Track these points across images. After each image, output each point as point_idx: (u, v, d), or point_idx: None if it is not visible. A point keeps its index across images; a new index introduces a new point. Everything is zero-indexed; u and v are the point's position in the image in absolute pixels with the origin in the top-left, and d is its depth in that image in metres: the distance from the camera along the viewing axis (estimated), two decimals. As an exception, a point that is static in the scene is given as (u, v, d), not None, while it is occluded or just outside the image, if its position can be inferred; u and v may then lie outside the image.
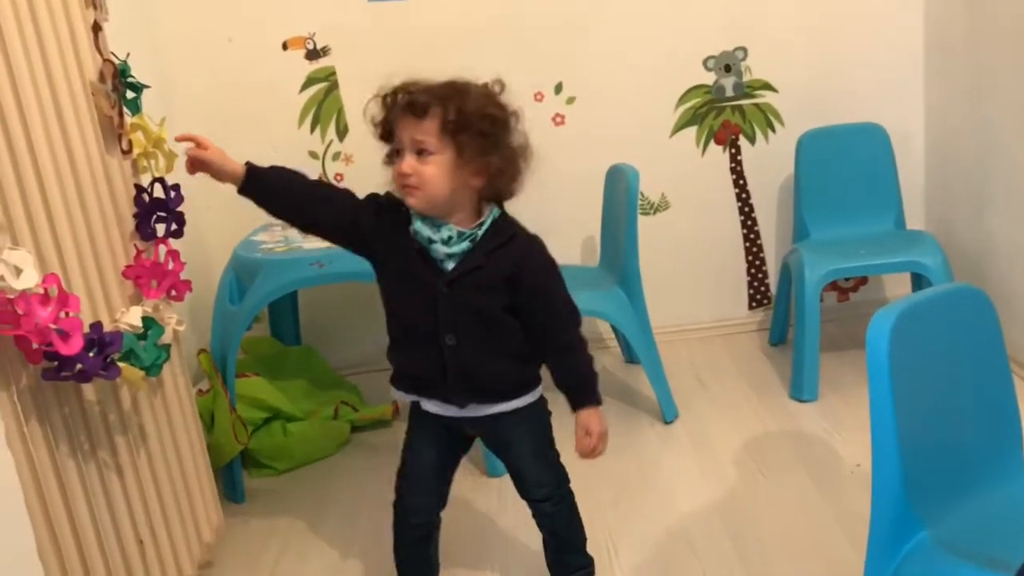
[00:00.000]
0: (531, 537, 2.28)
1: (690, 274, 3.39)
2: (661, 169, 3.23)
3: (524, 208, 3.21)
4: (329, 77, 3.13)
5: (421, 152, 1.60)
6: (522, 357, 1.77)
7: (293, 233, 2.73)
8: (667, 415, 2.80)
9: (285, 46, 3.12)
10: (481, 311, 1.69)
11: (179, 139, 1.73)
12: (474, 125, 1.59)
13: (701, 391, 2.99)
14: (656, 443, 2.69)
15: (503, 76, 3.08)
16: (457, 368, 1.72)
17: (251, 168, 1.70)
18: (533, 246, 1.73)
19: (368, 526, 2.30)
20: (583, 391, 1.75)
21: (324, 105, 3.14)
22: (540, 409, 1.85)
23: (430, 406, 1.81)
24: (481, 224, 1.67)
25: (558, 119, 3.23)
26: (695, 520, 2.27)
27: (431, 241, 1.65)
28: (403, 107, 1.61)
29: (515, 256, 1.68)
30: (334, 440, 2.77)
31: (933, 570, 1.31)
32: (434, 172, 1.60)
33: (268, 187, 1.71)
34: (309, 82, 3.13)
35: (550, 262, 1.75)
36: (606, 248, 3.11)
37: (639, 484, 2.47)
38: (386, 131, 1.65)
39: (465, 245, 1.65)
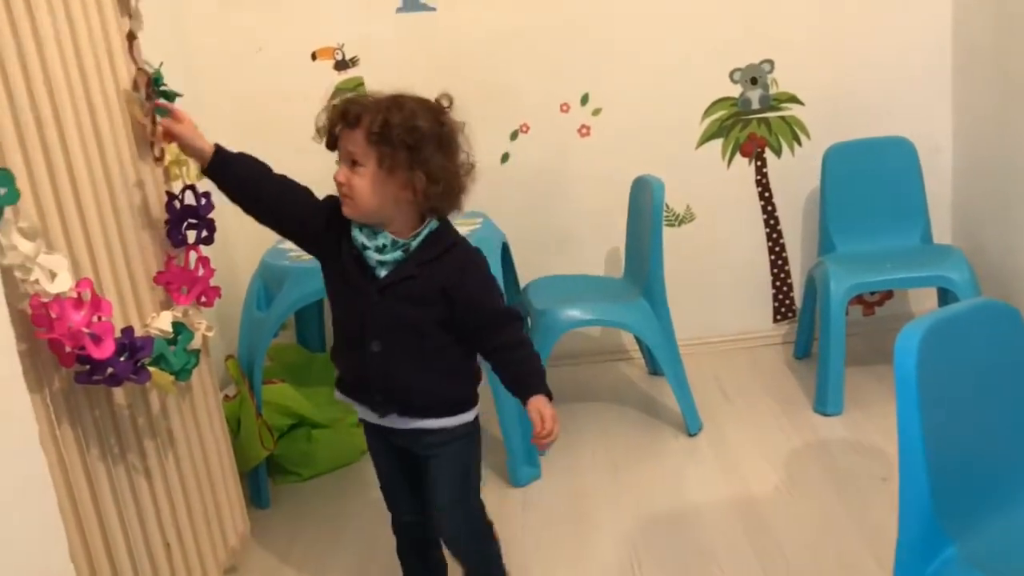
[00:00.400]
0: (555, 547, 2.29)
1: (714, 286, 3.39)
2: (686, 181, 3.23)
3: (549, 218, 3.25)
4: (357, 87, 3.15)
5: (354, 163, 1.60)
6: (450, 375, 1.73)
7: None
8: (691, 427, 2.79)
9: (314, 56, 3.15)
10: (409, 322, 1.66)
11: (157, 105, 1.78)
12: (396, 138, 1.55)
13: (725, 404, 2.98)
14: (680, 455, 2.68)
15: (529, 87, 3.14)
16: (379, 376, 1.72)
17: (219, 150, 1.73)
18: (468, 261, 1.69)
19: (391, 533, 2.31)
20: (528, 382, 1.69)
21: (351, 115, 3.16)
22: (467, 436, 1.78)
23: (360, 411, 1.81)
24: (416, 235, 1.65)
25: (584, 130, 3.24)
26: (718, 533, 2.26)
27: (364, 247, 1.65)
28: (338, 116, 1.61)
29: (449, 270, 1.65)
30: (358, 447, 2.77)
31: (961, 586, 1.30)
32: (361, 183, 1.59)
33: (232, 172, 1.73)
34: (337, 92, 3.15)
35: (485, 277, 1.71)
36: (631, 259, 3.11)
37: (662, 496, 2.47)
38: (331, 140, 1.65)
39: (398, 255, 1.64)
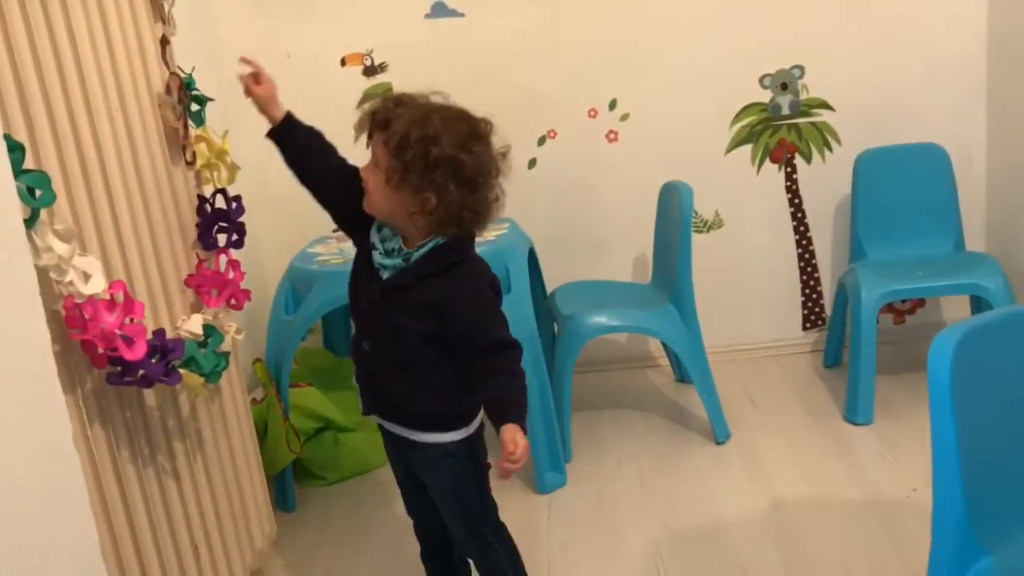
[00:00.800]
0: (581, 554, 2.28)
1: (743, 293, 3.36)
2: (715, 187, 3.22)
3: (576, 224, 3.24)
4: (386, 93, 3.16)
5: (376, 163, 1.59)
6: (433, 392, 1.69)
7: (348, 246, 2.76)
8: (719, 435, 2.77)
9: (343, 62, 3.17)
10: (399, 330, 1.64)
11: (242, 60, 1.78)
12: (409, 156, 1.52)
13: (753, 412, 2.96)
14: (707, 463, 2.66)
15: (557, 92, 3.14)
16: (367, 373, 1.74)
17: (290, 118, 1.75)
18: (467, 281, 1.63)
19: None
20: (505, 413, 1.59)
21: (380, 120, 3.18)
22: (455, 455, 1.73)
23: (362, 405, 1.81)
24: (420, 247, 1.62)
25: (612, 136, 3.23)
26: (746, 542, 2.24)
27: (375, 247, 1.66)
28: (370, 113, 1.61)
29: (447, 289, 1.61)
30: (384, 452, 2.78)
31: (995, 598, 1.28)
32: (374, 185, 1.59)
33: (296, 141, 1.74)
34: (366, 98, 3.17)
35: (482, 299, 1.64)
36: (659, 265, 3.10)
37: (689, 504, 2.45)
38: (369, 132, 1.63)
39: (398, 262, 1.63)
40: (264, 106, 1.76)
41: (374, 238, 1.67)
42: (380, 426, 1.82)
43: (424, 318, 1.62)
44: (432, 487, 1.81)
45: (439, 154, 1.52)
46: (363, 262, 1.70)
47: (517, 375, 1.64)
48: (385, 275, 1.65)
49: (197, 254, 1.95)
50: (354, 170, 1.73)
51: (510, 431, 1.56)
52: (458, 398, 1.72)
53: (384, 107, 1.59)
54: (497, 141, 1.61)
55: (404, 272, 1.63)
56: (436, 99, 1.61)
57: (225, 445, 2.04)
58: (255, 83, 1.75)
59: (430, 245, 1.62)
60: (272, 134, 1.76)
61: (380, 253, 1.65)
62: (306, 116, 1.79)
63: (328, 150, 1.76)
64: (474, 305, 1.63)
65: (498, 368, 1.63)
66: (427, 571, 1.99)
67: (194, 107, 1.96)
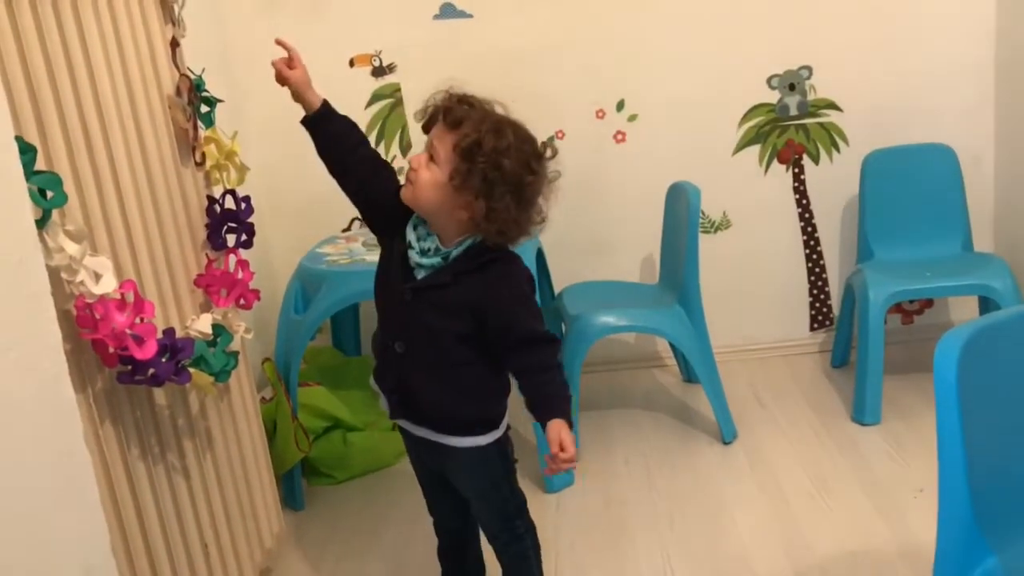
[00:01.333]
0: (589, 553, 2.28)
1: (751, 294, 3.37)
2: (723, 187, 3.22)
3: (584, 225, 3.24)
4: (394, 94, 3.18)
5: (432, 157, 1.59)
6: (468, 394, 1.70)
7: (357, 246, 2.78)
8: (726, 435, 2.77)
9: (352, 63, 3.18)
10: (434, 330, 1.64)
11: (277, 43, 1.76)
12: (478, 162, 1.53)
13: (761, 412, 2.96)
14: (714, 463, 2.67)
15: (565, 93, 3.15)
16: (398, 377, 1.72)
17: (326, 106, 1.72)
18: (506, 277, 1.64)
19: (426, 535, 2.31)
20: (549, 405, 1.62)
21: (388, 121, 3.19)
22: (483, 460, 1.75)
23: (382, 404, 1.80)
24: (459, 244, 1.62)
25: (619, 136, 3.24)
26: (753, 542, 2.25)
27: (411, 246, 1.65)
28: (441, 108, 1.60)
29: (484, 284, 1.61)
30: (393, 450, 2.79)
31: (1001, 598, 1.29)
32: (428, 179, 1.58)
33: (331, 130, 1.72)
34: (375, 98, 3.19)
35: (520, 295, 1.66)
36: (666, 266, 3.10)
37: (697, 504, 2.45)
38: (428, 124, 1.64)
39: (437, 260, 1.63)
40: (298, 92, 1.72)
41: (410, 236, 1.65)
42: (403, 429, 1.80)
43: (462, 317, 1.62)
44: (465, 488, 1.81)
45: (508, 167, 1.54)
46: (395, 260, 1.68)
47: (559, 369, 1.66)
48: (421, 274, 1.64)
49: (207, 254, 1.96)
50: (386, 164, 1.75)
51: (556, 427, 1.58)
52: (492, 400, 1.73)
53: (455, 106, 1.58)
54: (551, 165, 1.63)
55: (442, 271, 1.62)
56: (498, 109, 1.62)
57: (234, 443, 2.05)
58: (289, 67, 1.72)
59: (469, 242, 1.62)
60: (306, 121, 1.73)
61: (418, 252, 1.64)
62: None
63: (361, 141, 1.74)
64: (515, 300, 1.64)
65: (541, 363, 1.64)
66: (443, 568, 2.00)
67: (204, 108, 1.97)
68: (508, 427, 1.78)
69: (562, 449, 1.57)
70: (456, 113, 1.57)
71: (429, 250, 1.64)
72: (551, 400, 1.63)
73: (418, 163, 1.60)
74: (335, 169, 1.73)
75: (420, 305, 1.64)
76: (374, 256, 2.59)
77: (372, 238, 2.82)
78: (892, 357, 2.93)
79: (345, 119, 1.74)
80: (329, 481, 2.74)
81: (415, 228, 1.66)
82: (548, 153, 1.63)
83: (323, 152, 1.73)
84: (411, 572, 2.26)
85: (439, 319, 1.63)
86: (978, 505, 1.29)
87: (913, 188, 3.07)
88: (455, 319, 1.63)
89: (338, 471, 2.74)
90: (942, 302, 3.37)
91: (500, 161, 1.53)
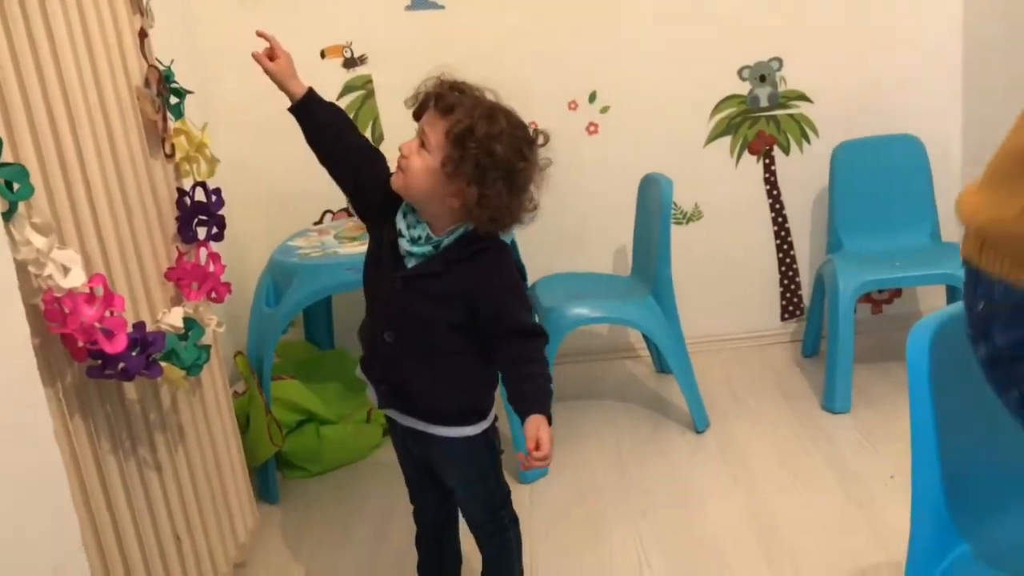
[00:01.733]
0: (563, 543, 2.29)
1: (723, 284, 3.39)
2: (694, 179, 3.23)
3: (557, 216, 3.24)
4: (365, 85, 3.16)
5: (424, 143, 1.58)
6: (458, 384, 1.69)
7: (329, 239, 2.77)
8: (698, 424, 2.79)
9: (323, 54, 3.16)
10: (425, 319, 1.63)
11: (258, 34, 1.74)
12: (470, 149, 1.52)
13: (733, 401, 2.98)
14: (687, 453, 2.69)
15: (537, 85, 3.14)
16: (387, 366, 1.71)
17: (311, 94, 1.72)
18: (497, 266, 1.64)
19: (400, 527, 2.31)
20: (532, 399, 1.61)
21: (360, 113, 3.17)
22: (471, 450, 1.74)
23: (370, 394, 1.79)
24: (450, 233, 1.61)
25: (592, 128, 3.24)
26: (726, 531, 2.27)
27: (400, 234, 1.63)
28: (433, 95, 1.59)
29: (475, 273, 1.61)
30: (367, 443, 2.79)
31: (972, 583, 1.30)
32: (419, 166, 1.57)
33: (317, 119, 1.71)
34: (346, 90, 3.17)
35: (512, 284, 1.66)
36: (638, 257, 3.11)
37: (670, 494, 2.47)
38: (418, 111, 1.63)
39: (428, 249, 1.62)
40: (281, 82, 1.71)
41: (400, 224, 1.64)
42: (390, 419, 1.80)
43: (453, 306, 1.61)
44: (452, 478, 1.81)
45: (500, 153, 1.53)
46: (384, 249, 1.67)
47: (544, 363, 1.65)
48: (411, 263, 1.63)
49: (177, 247, 1.94)
50: (376, 150, 1.73)
51: (534, 423, 1.57)
52: (482, 390, 1.73)
53: (446, 92, 1.57)
54: (543, 151, 1.63)
55: (433, 259, 1.62)
56: (489, 95, 1.61)
57: (207, 438, 2.03)
58: (269, 59, 1.71)
59: (460, 231, 1.61)
60: (292, 109, 1.72)
61: (408, 240, 1.63)
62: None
63: (348, 128, 1.73)
64: (505, 290, 1.64)
65: (527, 355, 1.64)
66: (420, 556, 1.99)
67: (173, 100, 1.95)
68: (496, 418, 1.78)
69: (538, 447, 1.55)
70: (448, 99, 1.56)
71: (420, 238, 1.62)
72: (533, 394, 1.62)
73: (409, 150, 1.59)
74: (324, 157, 1.72)
75: (410, 294, 1.63)
76: (346, 249, 2.61)
77: (344, 231, 2.81)
78: (861, 346, 2.97)
79: (332, 106, 1.74)
80: (303, 474, 2.73)
81: (405, 216, 1.65)
82: (540, 140, 1.62)
83: (311, 140, 1.72)
84: (386, 563, 2.26)
85: (430, 308, 1.63)
86: (950, 492, 1.30)
87: (882, 179, 3.11)
88: (446, 308, 1.62)
89: (312, 464, 2.73)
90: (910, 292, 3.41)
91: (492, 147, 1.53)
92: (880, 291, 3.39)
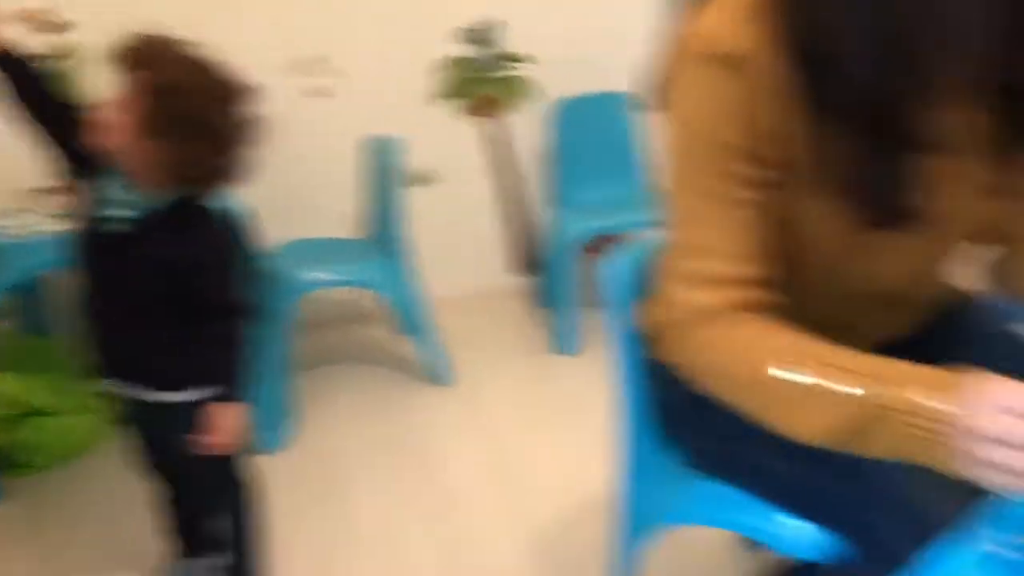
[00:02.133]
0: (305, 508, 2.28)
1: (456, 243, 3.47)
2: (422, 140, 3.25)
3: (288, 182, 3.18)
4: (71, 51, 2.94)
5: (123, 100, 1.50)
6: (172, 350, 1.65)
7: (33, 216, 2.58)
8: (442, 381, 2.86)
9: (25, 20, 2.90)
10: (130, 285, 1.60)
11: None
12: (169, 105, 1.47)
13: (473, 355, 3.07)
14: (431, 409, 2.76)
15: (259, 46, 3.04)
16: (100, 334, 1.67)
17: (11, 44, 1.62)
18: (202, 235, 1.61)
19: (135, 520, 2.22)
20: (213, 378, 1.64)
21: (63, 74, 2.94)
22: (174, 419, 1.69)
23: (99, 369, 1.73)
24: (158, 199, 1.56)
25: (316, 91, 3.19)
26: (472, 480, 2.38)
27: (106, 199, 1.57)
28: (133, 49, 1.51)
29: (183, 244, 1.57)
30: (91, 432, 2.64)
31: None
32: (119, 124, 1.50)
33: (28, 70, 1.63)
34: (49, 58, 2.93)
35: (218, 256, 1.64)
36: (373, 219, 3.12)
37: (414, 449, 2.54)
38: (120, 65, 1.53)
39: (133, 213, 1.56)
40: None
41: (106, 188, 1.56)
42: (117, 397, 1.73)
43: (157, 273, 1.56)
44: (172, 451, 1.73)
45: (201, 108, 1.48)
46: (90, 214, 1.59)
47: (238, 343, 1.64)
48: (115, 227, 1.56)
49: None
50: (79, 108, 1.62)
51: (212, 408, 1.61)
52: (196, 357, 1.67)
53: (139, 46, 1.50)
54: (253, 108, 1.57)
55: (137, 224, 1.55)
56: (193, 52, 1.54)
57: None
58: None
59: (167, 199, 1.56)
60: None
61: (113, 204, 1.55)
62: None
63: (47, 84, 1.64)
64: (209, 263, 1.60)
65: (221, 333, 1.63)
66: (171, 547, 1.92)
67: None
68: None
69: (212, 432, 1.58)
70: (148, 54, 1.50)
71: (125, 202, 1.56)
72: (217, 373, 1.63)
73: (108, 108, 1.51)
74: (35, 112, 1.63)
75: (117, 259, 1.57)
76: (53, 226, 2.43)
77: (49, 208, 2.62)
78: (590, 292, 3.15)
79: (31, 59, 1.64)
80: (28, 471, 2.55)
81: (110, 179, 1.57)
82: (245, 92, 1.57)
83: (20, 93, 1.62)
84: (120, 556, 2.16)
85: (135, 273, 1.57)
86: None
87: (596, 135, 3.30)
88: (151, 274, 1.57)
89: (36, 458, 2.55)
90: (632, 236, 3.64)
91: (192, 102, 1.48)
92: (604, 238, 3.59)
